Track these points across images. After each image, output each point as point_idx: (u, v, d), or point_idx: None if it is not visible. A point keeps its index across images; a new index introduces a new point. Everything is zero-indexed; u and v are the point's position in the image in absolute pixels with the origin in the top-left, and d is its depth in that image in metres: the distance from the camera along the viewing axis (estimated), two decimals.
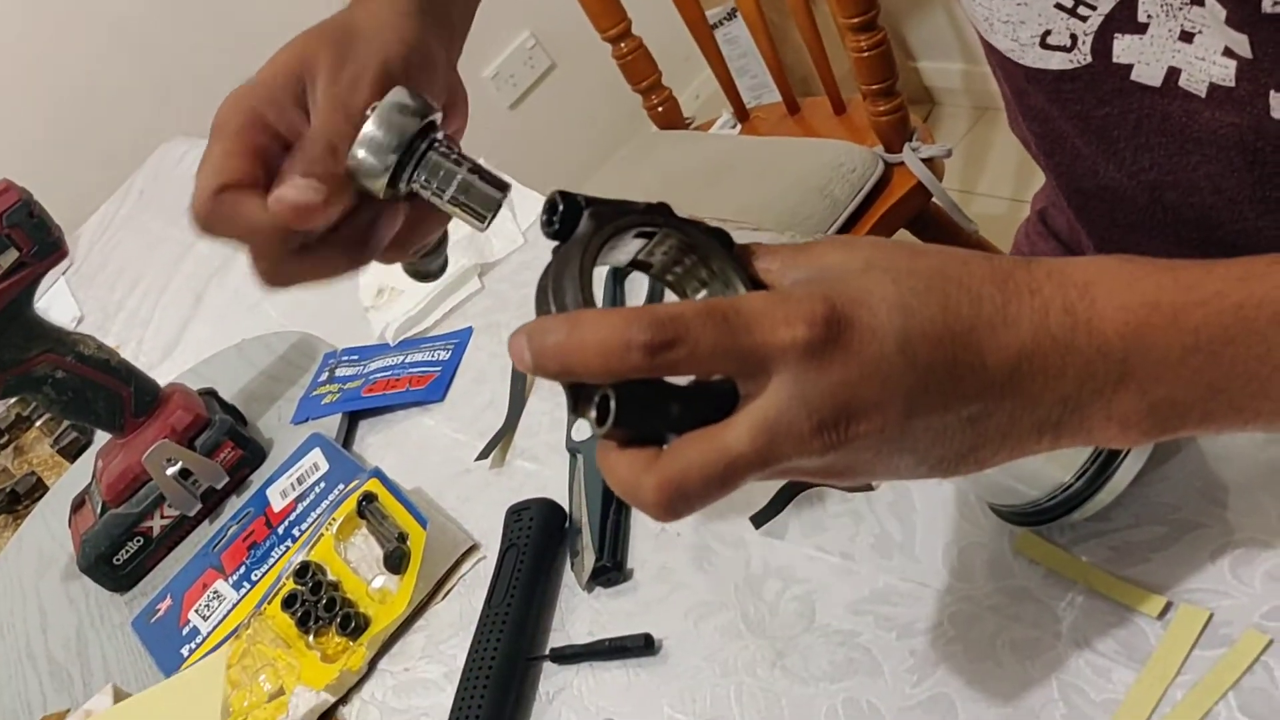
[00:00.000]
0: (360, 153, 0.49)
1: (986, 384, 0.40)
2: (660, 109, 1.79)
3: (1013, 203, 2.13)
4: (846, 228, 1.47)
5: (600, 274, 0.86)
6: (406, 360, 0.94)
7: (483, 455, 0.82)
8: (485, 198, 0.50)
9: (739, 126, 1.79)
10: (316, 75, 0.52)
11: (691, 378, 0.41)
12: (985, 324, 0.40)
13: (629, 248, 0.45)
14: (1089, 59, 0.59)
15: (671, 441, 0.40)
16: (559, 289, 0.42)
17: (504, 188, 0.50)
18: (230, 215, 0.50)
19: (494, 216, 0.50)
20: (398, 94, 0.49)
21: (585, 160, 2.44)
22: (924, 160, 1.49)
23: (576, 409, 0.41)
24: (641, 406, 0.39)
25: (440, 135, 0.50)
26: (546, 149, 2.48)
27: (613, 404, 0.38)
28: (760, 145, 1.67)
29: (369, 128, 0.48)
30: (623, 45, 1.70)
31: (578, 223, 0.43)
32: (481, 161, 0.50)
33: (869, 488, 0.63)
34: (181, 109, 2.00)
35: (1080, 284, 0.42)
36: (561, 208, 0.43)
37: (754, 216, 1.43)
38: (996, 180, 2.20)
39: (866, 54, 1.42)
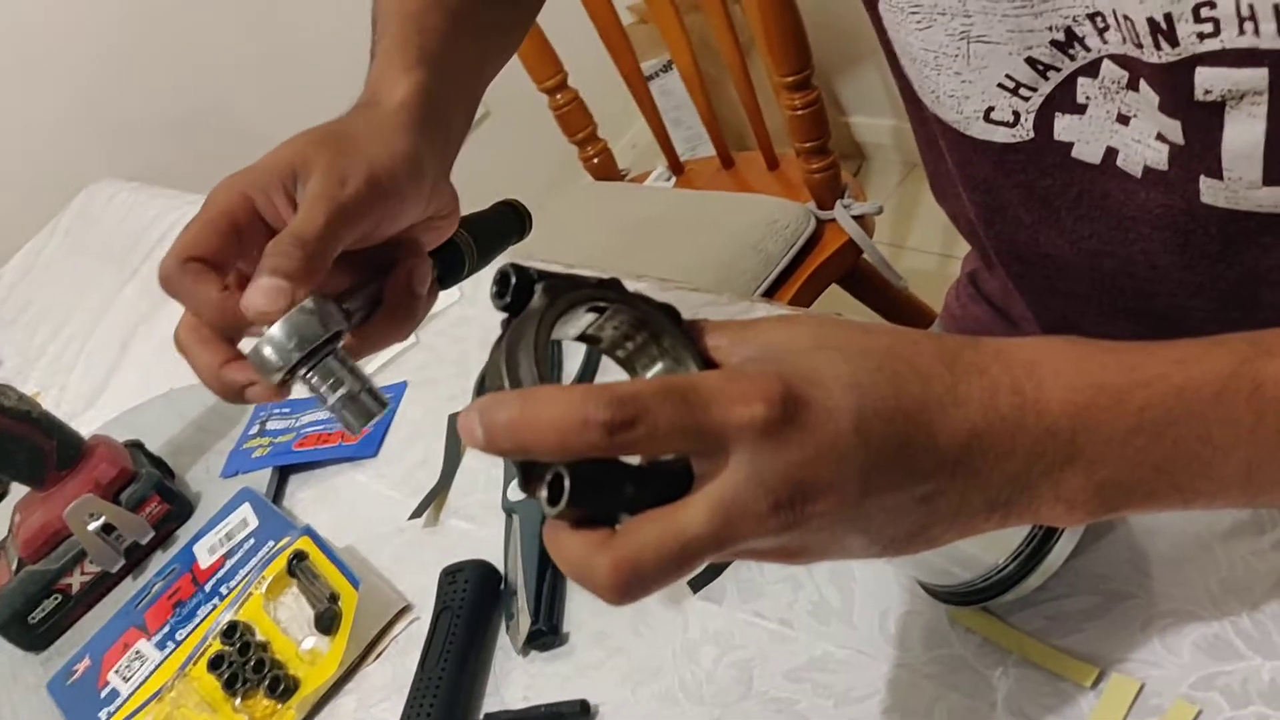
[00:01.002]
0: (265, 349, 0.51)
1: (939, 462, 0.41)
2: (595, 160, 1.80)
3: (942, 258, 2.17)
4: (779, 283, 1.48)
5: None
6: None
7: (416, 514, 0.81)
8: (365, 411, 0.53)
9: (674, 179, 1.81)
10: (310, 172, 0.55)
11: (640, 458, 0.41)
12: (936, 403, 0.41)
13: (579, 322, 0.45)
14: (1031, 134, 0.61)
15: (625, 522, 0.39)
16: (513, 364, 0.41)
17: (383, 405, 0.53)
18: (190, 287, 0.53)
19: (365, 425, 0.54)
20: (314, 303, 0.51)
21: None
22: (855, 217, 1.52)
23: (528, 487, 0.40)
24: (596, 486, 0.39)
25: (339, 346, 0.53)
26: (480, 198, 2.47)
27: (567, 483, 0.38)
28: (694, 200, 1.68)
29: (276, 331, 0.50)
30: (559, 96, 1.71)
31: (529, 296, 0.43)
32: (370, 379, 0.53)
33: None
34: (110, 149, 1.97)
35: (1026, 364, 0.43)
36: (514, 281, 0.43)
37: (688, 272, 1.44)
38: (925, 236, 2.24)
39: (800, 112, 1.44)
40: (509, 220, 0.71)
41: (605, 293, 0.44)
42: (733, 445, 0.38)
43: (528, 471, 0.40)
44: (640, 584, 0.38)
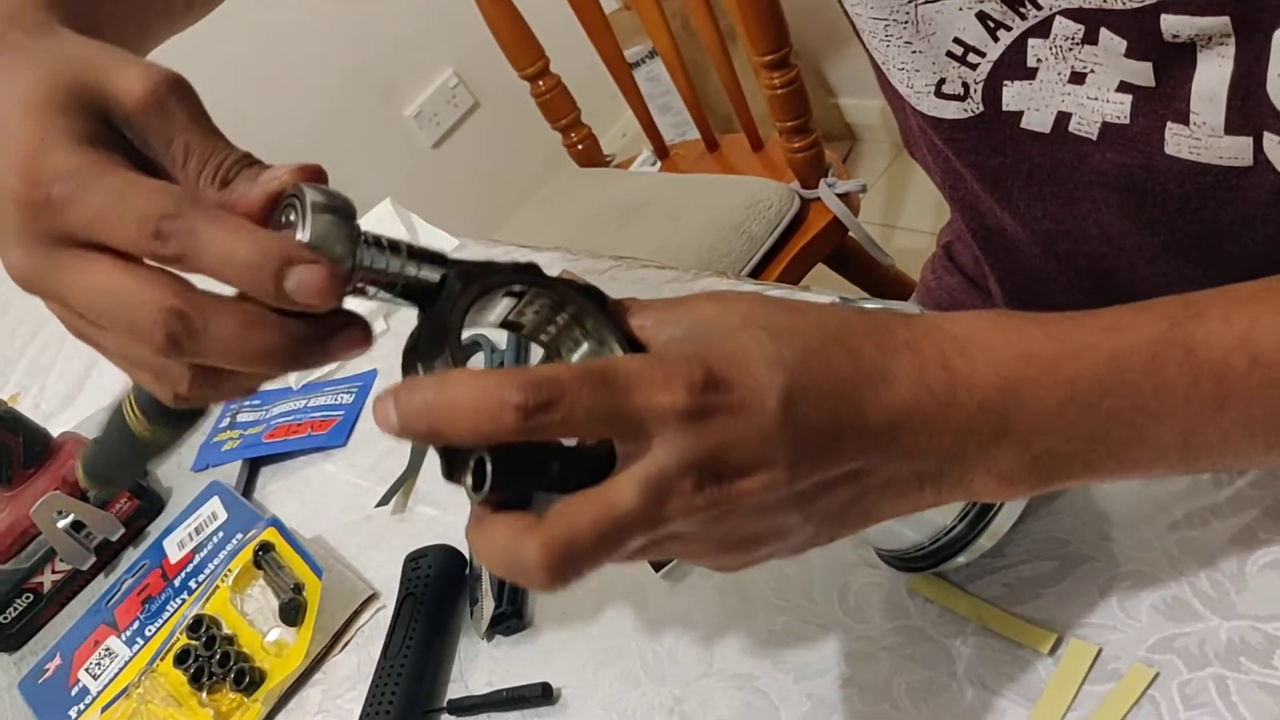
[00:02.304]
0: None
1: (868, 440, 0.40)
2: (580, 147, 1.79)
3: (933, 237, 2.14)
4: (764, 264, 1.47)
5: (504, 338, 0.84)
6: (309, 405, 0.92)
7: (383, 501, 0.80)
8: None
9: (658, 164, 1.79)
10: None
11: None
12: (865, 380, 0.40)
13: (498, 308, 0.44)
14: (981, 108, 0.59)
15: (552, 506, 0.38)
16: (428, 350, 0.40)
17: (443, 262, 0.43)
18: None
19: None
20: (316, 193, 0.40)
21: (507, 199, 2.43)
22: (840, 195, 1.50)
23: (451, 475, 0.39)
24: (519, 468, 0.37)
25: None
26: (469, 188, 2.47)
27: (489, 467, 0.37)
28: (678, 183, 1.67)
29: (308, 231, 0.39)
30: (540, 83, 1.70)
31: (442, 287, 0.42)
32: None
33: None
34: None
35: (956, 340, 0.42)
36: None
37: (672, 255, 1.43)
38: (917, 215, 2.22)
39: (780, 91, 1.43)
40: None
41: (522, 276, 0.43)
42: (655, 429, 0.37)
43: (450, 460, 0.39)
44: (573, 564, 0.37)
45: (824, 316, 0.42)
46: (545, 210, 1.74)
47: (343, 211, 0.40)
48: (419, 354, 0.40)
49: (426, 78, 2.43)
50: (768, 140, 1.67)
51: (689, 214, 1.52)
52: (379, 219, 1.06)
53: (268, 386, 0.96)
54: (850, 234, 1.53)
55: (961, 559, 0.52)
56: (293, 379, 0.96)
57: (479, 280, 0.42)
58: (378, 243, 0.41)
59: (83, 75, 0.41)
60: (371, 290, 0.42)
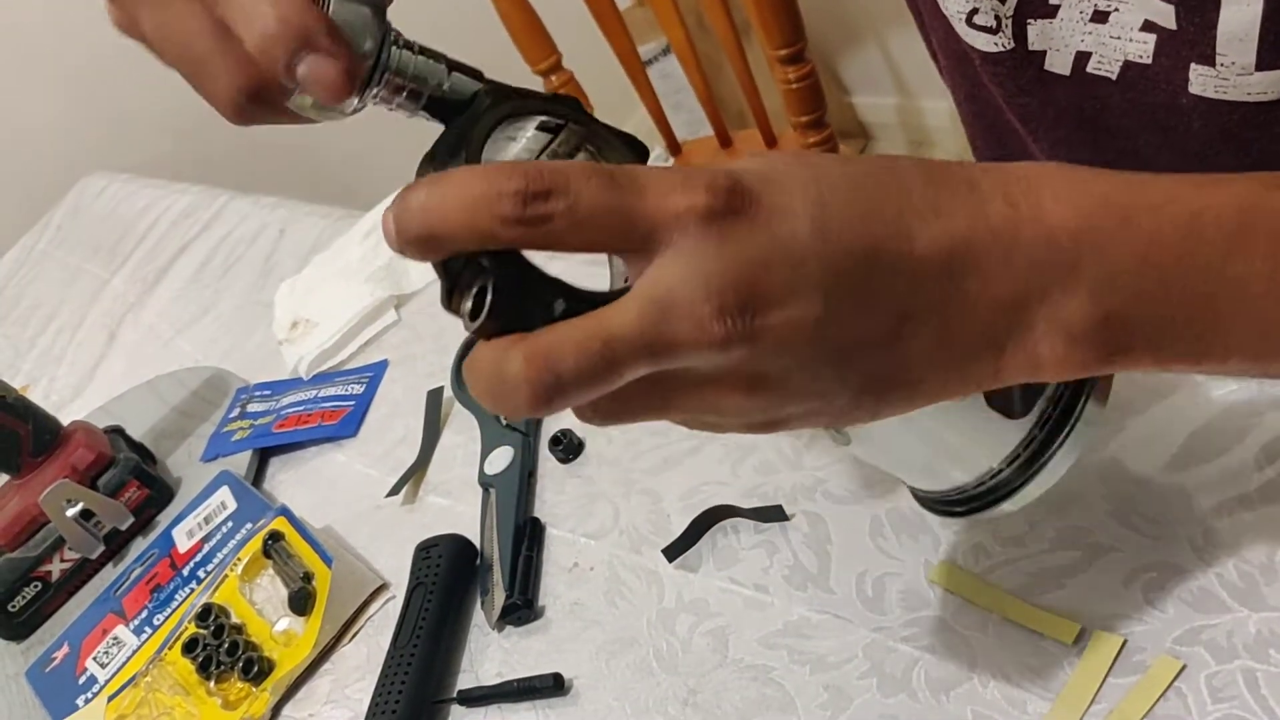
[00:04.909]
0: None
1: (917, 277, 0.35)
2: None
3: None
4: None
5: None
6: (319, 395, 0.92)
7: (394, 491, 0.80)
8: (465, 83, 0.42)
9: (671, 161, 1.78)
10: None
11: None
12: (914, 212, 0.35)
13: (527, 140, 0.40)
14: (1012, 44, 0.58)
15: None
16: (439, 156, 0.38)
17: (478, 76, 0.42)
18: None
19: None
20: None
21: None
22: None
23: (450, 302, 0.35)
24: (520, 293, 0.34)
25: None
26: None
27: (490, 290, 0.34)
28: None
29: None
30: (553, 79, 1.69)
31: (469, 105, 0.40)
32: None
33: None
34: (103, 144, 1.96)
35: (1023, 179, 0.37)
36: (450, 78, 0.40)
37: None
38: None
39: (795, 86, 1.42)
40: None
41: (558, 108, 0.40)
42: (669, 235, 0.33)
43: (453, 281, 0.35)
44: (557, 384, 0.33)
45: (872, 162, 0.37)
46: None
47: (373, 3, 0.38)
48: (435, 163, 0.38)
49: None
50: (782, 137, 1.66)
51: None
52: None
53: (276, 378, 0.96)
54: None
55: (1007, 506, 0.48)
56: (303, 368, 0.95)
57: (510, 101, 0.40)
58: (409, 46, 0.39)
59: None
60: (395, 100, 0.40)
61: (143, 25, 0.42)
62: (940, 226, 0.35)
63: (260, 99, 0.41)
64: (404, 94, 0.40)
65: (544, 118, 0.40)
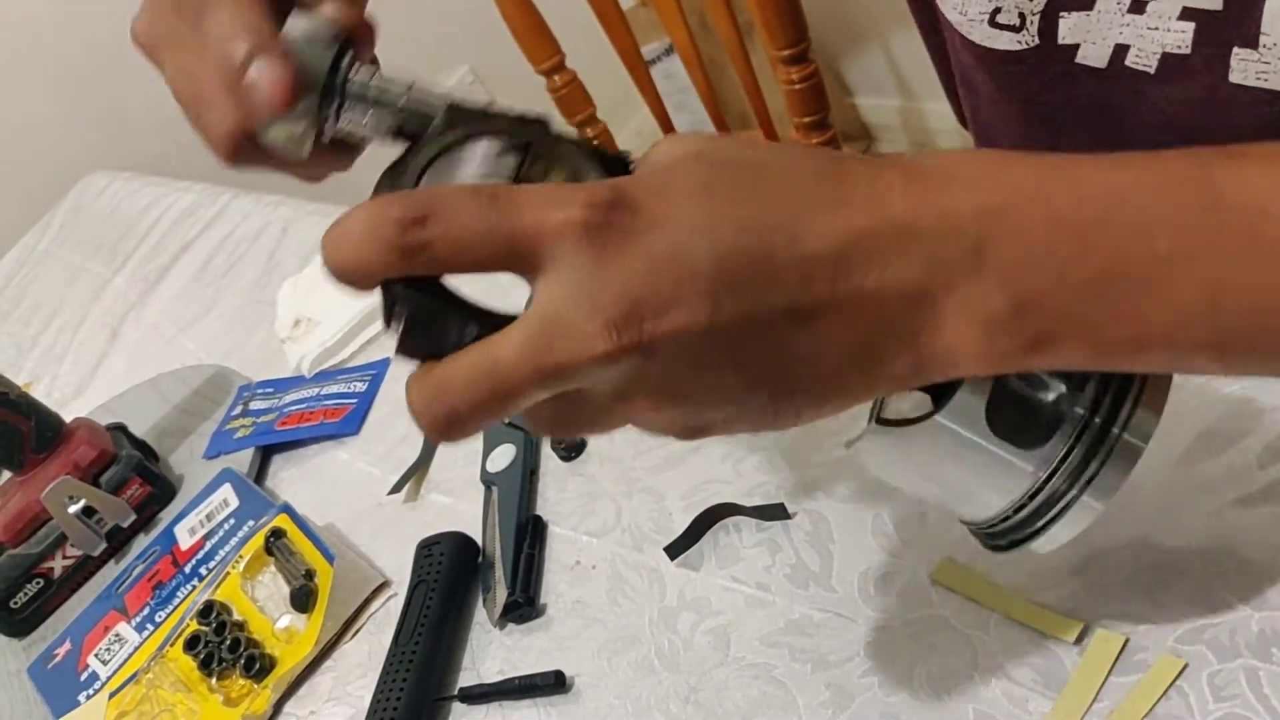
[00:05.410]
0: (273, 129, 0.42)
1: (808, 268, 0.34)
2: (595, 143, 1.77)
3: None
4: None
5: None
6: (322, 393, 0.92)
7: (396, 489, 0.80)
8: (428, 112, 0.42)
9: None
10: None
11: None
12: (812, 208, 0.34)
13: (500, 165, 0.39)
14: (1036, 40, 0.58)
15: None
16: (382, 184, 0.38)
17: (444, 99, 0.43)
18: None
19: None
20: (296, 25, 0.42)
21: None
22: None
23: (388, 325, 0.37)
24: (430, 319, 0.35)
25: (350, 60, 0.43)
26: None
27: (396, 302, 0.35)
28: None
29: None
30: (556, 79, 1.69)
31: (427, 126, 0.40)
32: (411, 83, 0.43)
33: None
34: (104, 143, 1.96)
35: (936, 168, 0.36)
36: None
37: None
38: None
39: (798, 86, 1.42)
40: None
41: (525, 129, 0.39)
42: (548, 252, 0.33)
43: (387, 307, 0.36)
44: (451, 415, 0.34)
45: (778, 152, 0.37)
46: None
47: (326, 32, 0.40)
48: (377, 191, 0.39)
49: (443, 74, 2.43)
50: (784, 138, 1.66)
51: None
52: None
53: (279, 376, 0.96)
54: None
55: (1044, 541, 0.44)
56: (305, 366, 0.95)
57: (465, 125, 0.39)
58: (371, 69, 0.41)
59: None
60: (362, 121, 0.41)
61: (164, 64, 0.47)
62: (836, 221, 0.34)
63: (253, 139, 0.44)
64: (367, 114, 0.41)
65: (503, 139, 0.40)
